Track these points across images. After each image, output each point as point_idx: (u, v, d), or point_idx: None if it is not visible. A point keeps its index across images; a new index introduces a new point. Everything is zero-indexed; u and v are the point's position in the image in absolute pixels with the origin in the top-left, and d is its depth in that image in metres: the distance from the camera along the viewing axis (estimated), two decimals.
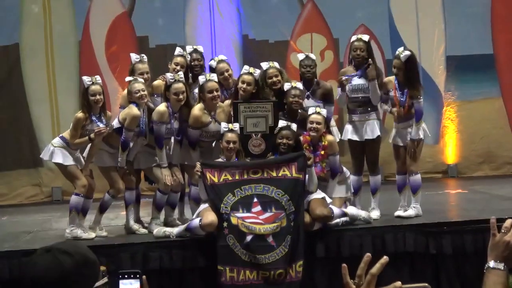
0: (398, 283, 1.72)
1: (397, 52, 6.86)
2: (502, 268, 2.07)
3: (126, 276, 2.19)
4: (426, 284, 1.74)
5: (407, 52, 6.80)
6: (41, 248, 1.99)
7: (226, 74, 6.96)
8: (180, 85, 6.49)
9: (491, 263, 2.10)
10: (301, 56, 7.13)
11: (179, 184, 6.79)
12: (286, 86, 6.71)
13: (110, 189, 6.73)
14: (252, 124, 6.64)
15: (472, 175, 11.09)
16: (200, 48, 7.20)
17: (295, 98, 6.62)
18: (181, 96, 6.48)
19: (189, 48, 7.19)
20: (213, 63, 7.07)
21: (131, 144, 6.66)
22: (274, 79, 6.78)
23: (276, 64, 6.92)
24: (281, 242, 5.96)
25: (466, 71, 11.21)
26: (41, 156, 7.06)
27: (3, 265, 6.00)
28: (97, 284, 1.99)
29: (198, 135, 6.64)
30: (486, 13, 11.28)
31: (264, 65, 6.89)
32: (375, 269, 1.76)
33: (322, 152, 6.52)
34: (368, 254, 1.79)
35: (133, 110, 6.49)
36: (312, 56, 7.16)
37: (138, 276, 2.19)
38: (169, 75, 6.56)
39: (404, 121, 6.88)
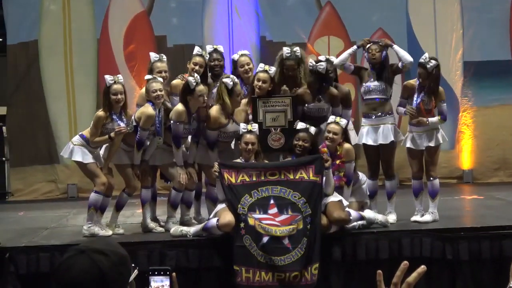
0: None
1: (422, 60, 6.67)
2: None
3: (156, 272, 2.20)
4: None
5: (434, 62, 6.65)
6: (73, 248, 1.94)
7: (246, 67, 7.01)
8: (203, 87, 6.50)
9: None
10: (321, 59, 7.06)
11: (193, 183, 6.81)
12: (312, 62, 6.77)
13: (125, 187, 6.75)
14: (271, 119, 6.66)
15: (487, 181, 11.05)
16: (220, 48, 7.19)
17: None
18: (204, 98, 6.51)
19: (209, 48, 7.16)
20: (236, 56, 7.16)
21: (148, 143, 6.67)
22: (291, 73, 6.80)
23: (297, 51, 6.86)
24: (297, 244, 5.94)
25: (483, 77, 11.17)
26: (61, 154, 7.10)
27: (21, 260, 6.02)
28: (131, 278, 1.99)
29: (216, 136, 6.64)
30: (505, 19, 11.25)
31: (286, 50, 6.87)
32: (412, 278, 1.73)
33: (338, 162, 6.52)
34: (406, 262, 1.75)
35: (149, 109, 6.50)
36: (333, 59, 7.05)
37: (168, 273, 2.20)
38: (191, 79, 6.53)
39: (421, 126, 6.83)
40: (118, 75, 6.62)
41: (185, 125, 6.51)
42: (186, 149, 6.84)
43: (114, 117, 6.51)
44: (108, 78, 6.54)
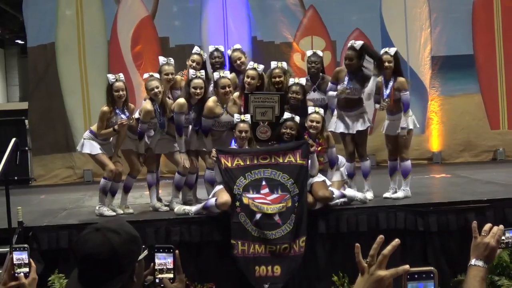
0: (407, 266, 1.67)
1: (384, 50, 6.76)
2: (481, 265, 2.16)
3: (161, 250, 2.16)
4: (432, 268, 1.68)
5: (394, 48, 6.83)
6: (90, 226, 1.97)
7: (238, 61, 7.01)
8: (200, 80, 6.44)
9: (473, 261, 2.17)
10: (309, 53, 7.05)
11: (195, 167, 6.78)
12: (290, 81, 6.64)
13: (130, 171, 6.70)
14: (260, 113, 6.58)
15: (454, 161, 11.09)
16: (221, 48, 7.21)
17: (293, 94, 6.57)
18: (198, 91, 6.43)
19: (211, 48, 7.17)
20: (229, 51, 7.18)
21: (152, 133, 6.62)
22: (278, 79, 6.66)
23: (284, 65, 6.79)
24: (286, 220, 5.92)
25: (449, 69, 11.20)
26: (77, 148, 7.03)
27: (43, 237, 6.00)
28: (140, 257, 1.97)
29: (210, 124, 6.59)
30: (467, 19, 11.25)
31: (273, 64, 6.82)
32: (387, 250, 1.70)
33: (319, 148, 6.48)
34: (381, 236, 1.72)
35: (147, 105, 6.44)
36: (319, 53, 7.04)
37: (171, 250, 2.16)
38: (191, 72, 6.49)
39: (395, 114, 6.82)
40: (119, 74, 6.51)
41: (186, 115, 6.47)
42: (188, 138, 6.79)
43: (117, 111, 6.42)
44: (110, 76, 6.47)
